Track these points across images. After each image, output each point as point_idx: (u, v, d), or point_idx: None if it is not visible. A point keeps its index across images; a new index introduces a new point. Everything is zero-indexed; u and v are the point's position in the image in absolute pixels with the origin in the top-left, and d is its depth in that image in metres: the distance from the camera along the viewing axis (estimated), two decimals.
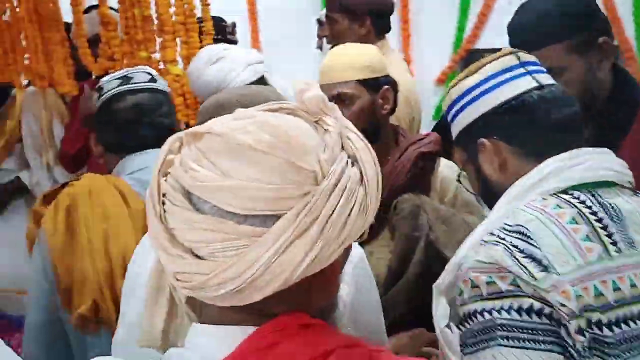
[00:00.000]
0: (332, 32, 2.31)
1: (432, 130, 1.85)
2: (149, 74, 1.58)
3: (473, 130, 1.13)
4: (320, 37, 2.37)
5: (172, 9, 2.19)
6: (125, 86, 1.53)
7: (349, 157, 0.68)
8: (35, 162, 2.69)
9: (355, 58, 1.61)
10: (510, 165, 1.10)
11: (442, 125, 2.24)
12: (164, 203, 0.67)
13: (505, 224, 1.01)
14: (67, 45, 2.21)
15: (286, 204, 0.63)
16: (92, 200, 1.40)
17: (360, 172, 0.68)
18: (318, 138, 0.68)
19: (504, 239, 0.98)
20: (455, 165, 1.65)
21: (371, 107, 1.59)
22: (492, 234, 1.00)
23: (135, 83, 1.54)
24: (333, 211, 0.64)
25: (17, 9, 2.19)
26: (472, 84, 1.13)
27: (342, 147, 0.68)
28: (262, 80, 1.94)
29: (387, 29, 2.38)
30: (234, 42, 2.78)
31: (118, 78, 1.55)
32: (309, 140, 0.67)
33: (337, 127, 0.69)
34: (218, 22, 2.83)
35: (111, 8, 2.24)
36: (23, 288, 2.42)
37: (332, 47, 2.27)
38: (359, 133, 0.72)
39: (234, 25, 3.08)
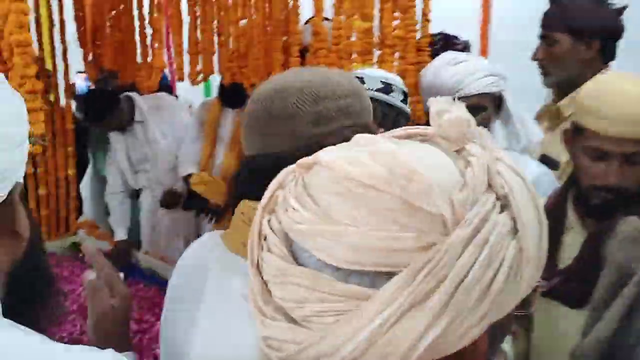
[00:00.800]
0: (550, 55, 2.01)
1: None
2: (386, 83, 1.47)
3: None
4: (535, 59, 2.11)
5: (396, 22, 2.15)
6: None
7: (497, 198, 0.51)
8: None
9: None
10: None
11: None
12: (263, 248, 0.55)
13: None
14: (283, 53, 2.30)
15: (401, 259, 0.47)
16: None
17: (513, 221, 0.51)
18: (456, 173, 0.52)
19: None
20: None
21: None
22: None
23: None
24: (468, 272, 0.47)
25: (254, 16, 2.34)
26: None
27: (490, 186, 0.52)
28: (500, 98, 1.78)
29: (614, 55, 2.04)
30: None
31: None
32: (440, 175, 0.50)
33: (485, 158, 0.53)
34: (449, 39, 2.71)
35: (326, 19, 2.27)
36: None
37: (545, 71, 2.05)
38: (518, 168, 0.55)
39: (465, 44, 2.93)
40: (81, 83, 4.41)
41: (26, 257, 0.74)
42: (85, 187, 3.37)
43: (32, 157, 2.78)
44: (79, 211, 3.23)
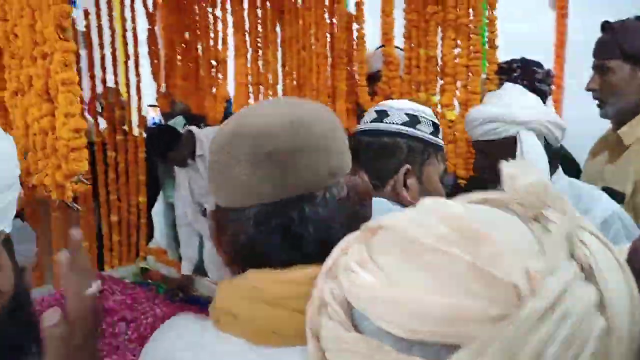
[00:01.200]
0: (605, 84, 1.89)
1: None
2: (412, 115, 1.34)
3: None
4: (589, 89, 1.96)
5: (457, 50, 2.03)
6: (376, 124, 1.35)
7: (581, 269, 0.46)
8: None
9: None
10: None
11: None
12: (323, 315, 0.52)
13: None
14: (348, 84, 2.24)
15: (468, 331, 0.42)
16: None
17: (600, 294, 0.45)
18: (532, 240, 0.47)
19: None
20: None
21: None
22: None
23: (389, 123, 1.34)
24: (544, 351, 0.41)
25: (313, 47, 2.29)
26: None
27: (571, 255, 0.47)
28: (508, 140, 1.62)
29: None
30: (543, 92, 2.44)
31: (377, 111, 1.38)
32: (514, 241, 0.46)
33: (565, 225, 0.48)
34: (528, 66, 2.54)
35: (397, 47, 2.19)
36: None
37: (601, 101, 1.91)
38: (602, 236, 0.50)
39: (547, 72, 2.73)
40: (152, 115, 4.55)
41: (9, 309, 0.71)
42: (157, 213, 3.44)
43: (105, 185, 2.89)
44: (149, 238, 3.30)
